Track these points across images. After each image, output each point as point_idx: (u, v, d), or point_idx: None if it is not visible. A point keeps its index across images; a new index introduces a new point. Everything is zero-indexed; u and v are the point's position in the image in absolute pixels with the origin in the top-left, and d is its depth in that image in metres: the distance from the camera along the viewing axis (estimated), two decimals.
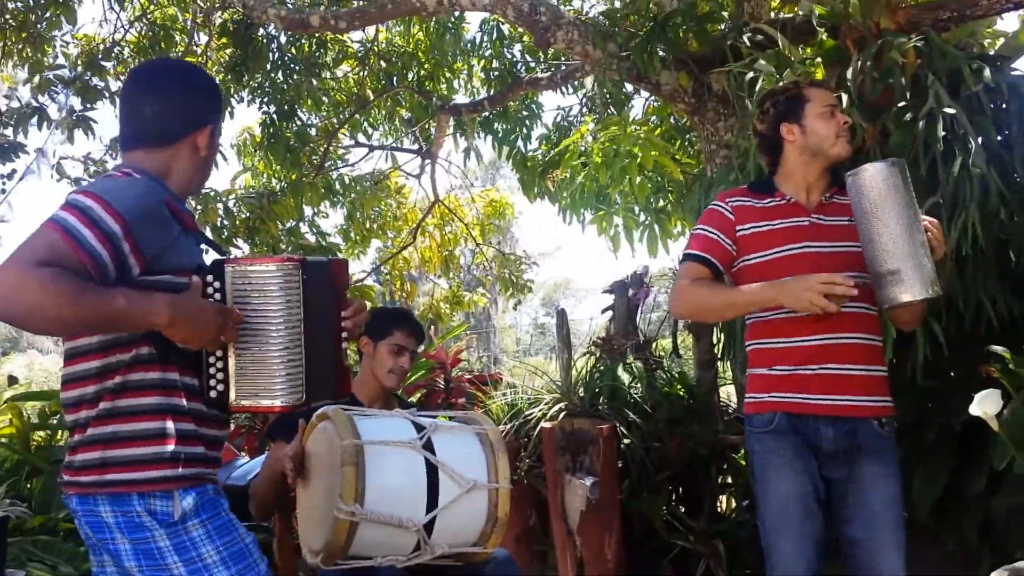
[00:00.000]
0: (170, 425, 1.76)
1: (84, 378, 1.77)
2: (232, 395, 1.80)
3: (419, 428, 2.37)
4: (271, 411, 1.83)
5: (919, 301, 2.25)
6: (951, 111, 3.00)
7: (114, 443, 1.73)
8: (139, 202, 1.72)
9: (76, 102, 7.31)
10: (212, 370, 1.80)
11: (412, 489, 2.26)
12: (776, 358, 2.46)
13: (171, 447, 1.75)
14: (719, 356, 4.50)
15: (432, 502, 2.25)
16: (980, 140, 3.03)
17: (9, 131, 7.27)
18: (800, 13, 4.16)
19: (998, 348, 2.70)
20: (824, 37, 3.84)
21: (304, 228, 8.06)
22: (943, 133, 2.94)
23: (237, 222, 7.00)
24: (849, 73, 3.28)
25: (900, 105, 3.15)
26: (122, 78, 7.77)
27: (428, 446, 2.31)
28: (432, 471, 2.28)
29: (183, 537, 1.73)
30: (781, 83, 3.06)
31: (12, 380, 6.99)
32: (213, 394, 1.81)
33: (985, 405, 2.24)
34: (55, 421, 5.32)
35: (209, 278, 1.79)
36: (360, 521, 2.15)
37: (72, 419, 1.80)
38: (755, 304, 2.42)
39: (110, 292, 1.64)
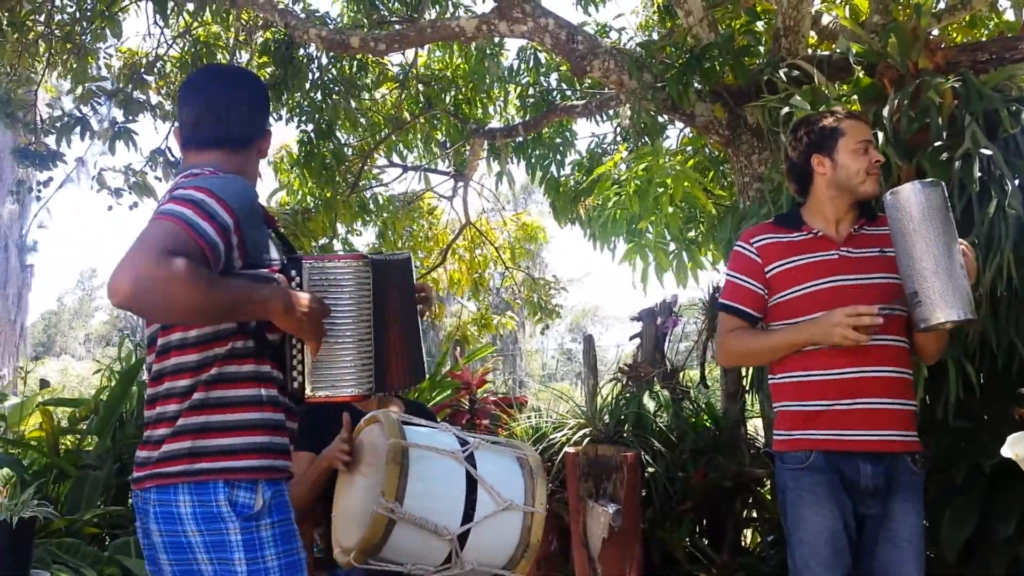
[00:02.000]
0: (262, 416, 1.80)
1: (179, 371, 1.79)
2: (308, 387, 1.86)
3: (463, 442, 2.39)
4: (345, 400, 1.91)
5: (957, 322, 2.23)
6: (988, 152, 3.00)
7: (205, 433, 1.75)
8: (245, 198, 1.78)
9: (118, 114, 7.47)
10: (294, 362, 1.86)
11: (450, 498, 2.27)
12: (804, 392, 2.44)
13: (261, 438, 1.79)
14: (747, 388, 4.49)
15: (468, 515, 2.26)
16: (1016, 182, 3.02)
17: (51, 140, 7.43)
18: (837, 50, 4.19)
19: None
20: (861, 75, 3.85)
21: (337, 245, 8.16)
22: (979, 174, 2.94)
23: None
24: (885, 111, 3.29)
25: (936, 145, 3.15)
26: (163, 92, 7.93)
27: (470, 460, 2.33)
28: (472, 484, 2.29)
29: (253, 535, 1.74)
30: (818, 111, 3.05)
31: (44, 384, 7.11)
32: (295, 385, 1.86)
33: (1017, 447, 2.22)
34: (84, 426, 5.39)
35: (292, 273, 1.85)
36: (397, 520, 2.17)
37: (158, 412, 1.81)
38: (793, 346, 2.43)
39: (234, 281, 1.70)
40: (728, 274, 2.60)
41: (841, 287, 2.41)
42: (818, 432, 2.41)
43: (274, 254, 1.86)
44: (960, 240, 2.30)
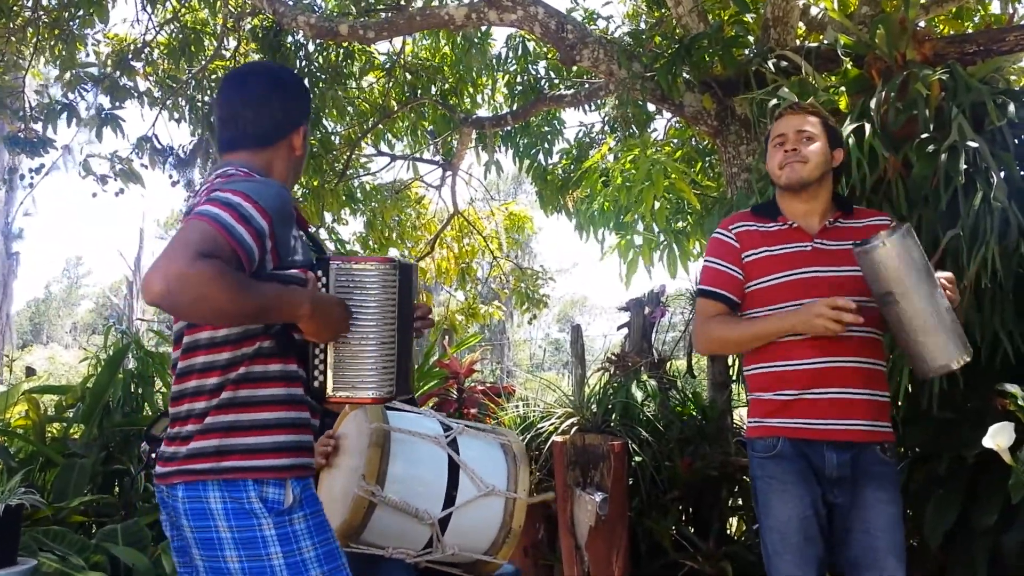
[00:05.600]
0: (289, 415, 1.82)
1: (208, 369, 1.80)
2: (329, 387, 1.86)
3: (446, 428, 2.40)
4: (365, 402, 1.90)
5: (955, 369, 2.29)
6: (974, 144, 3.01)
7: (233, 432, 1.77)
8: (279, 202, 1.78)
9: (104, 101, 7.43)
10: (316, 361, 1.87)
11: (432, 482, 2.28)
12: (777, 382, 2.48)
13: (288, 436, 1.81)
14: (733, 378, 4.51)
15: (450, 499, 2.27)
16: (1002, 174, 3.04)
17: (38, 126, 7.38)
18: (825, 42, 4.19)
19: (1011, 386, 2.70)
20: (849, 66, 3.87)
21: (324, 234, 8.13)
22: (965, 166, 2.96)
23: None
24: (873, 103, 3.30)
25: (923, 137, 3.16)
26: (151, 79, 7.88)
27: (453, 445, 2.34)
28: (454, 469, 2.30)
29: (287, 528, 1.76)
30: None
31: (30, 372, 7.08)
32: (316, 384, 1.87)
33: (999, 438, 2.25)
34: (70, 414, 5.37)
35: (319, 274, 1.86)
36: (378, 503, 2.18)
37: (186, 408, 1.82)
38: (773, 334, 2.45)
39: (263, 285, 1.71)
40: (706, 260, 2.63)
41: (813, 278, 2.45)
42: (786, 420, 2.45)
43: (302, 256, 1.87)
44: (940, 274, 2.31)
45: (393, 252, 10.16)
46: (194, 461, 1.77)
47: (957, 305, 2.36)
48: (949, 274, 2.37)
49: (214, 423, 1.78)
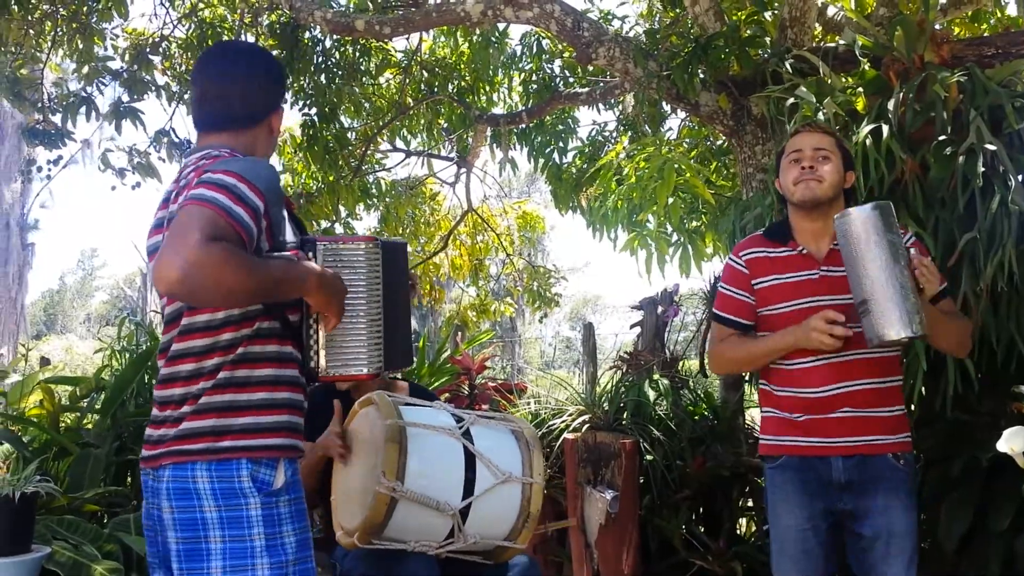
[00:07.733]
0: (284, 395, 1.83)
1: (208, 351, 1.79)
2: (322, 365, 1.87)
3: (458, 419, 2.42)
4: (359, 379, 1.94)
5: (899, 340, 2.26)
6: (992, 147, 3.00)
7: (230, 411, 1.77)
8: (272, 181, 1.77)
9: (123, 95, 7.46)
10: (311, 341, 1.88)
11: (450, 474, 2.30)
12: (788, 404, 2.51)
13: (283, 417, 1.81)
14: (745, 379, 4.51)
15: (468, 489, 2.29)
16: (1020, 177, 3.04)
17: (57, 118, 7.42)
18: (842, 42, 4.18)
19: None
20: (866, 67, 3.85)
21: (339, 229, 8.16)
22: (983, 169, 2.95)
23: None
24: (890, 104, 3.29)
25: (941, 139, 3.16)
26: (169, 74, 7.92)
27: (467, 436, 2.35)
28: (470, 460, 2.32)
29: (273, 510, 1.75)
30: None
31: (45, 362, 7.13)
32: (312, 364, 1.88)
33: (1013, 441, 2.24)
34: (84, 404, 5.40)
35: (309, 255, 1.87)
36: (399, 499, 2.19)
37: (180, 392, 1.81)
38: (778, 352, 2.50)
39: (271, 262, 1.72)
40: (720, 286, 2.69)
41: (820, 307, 2.45)
42: (794, 439, 2.49)
43: (291, 236, 1.87)
44: (916, 255, 2.32)
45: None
46: (186, 442, 1.76)
47: (935, 289, 2.34)
48: (925, 259, 2.35)
49: (210, 403, 1.77)
